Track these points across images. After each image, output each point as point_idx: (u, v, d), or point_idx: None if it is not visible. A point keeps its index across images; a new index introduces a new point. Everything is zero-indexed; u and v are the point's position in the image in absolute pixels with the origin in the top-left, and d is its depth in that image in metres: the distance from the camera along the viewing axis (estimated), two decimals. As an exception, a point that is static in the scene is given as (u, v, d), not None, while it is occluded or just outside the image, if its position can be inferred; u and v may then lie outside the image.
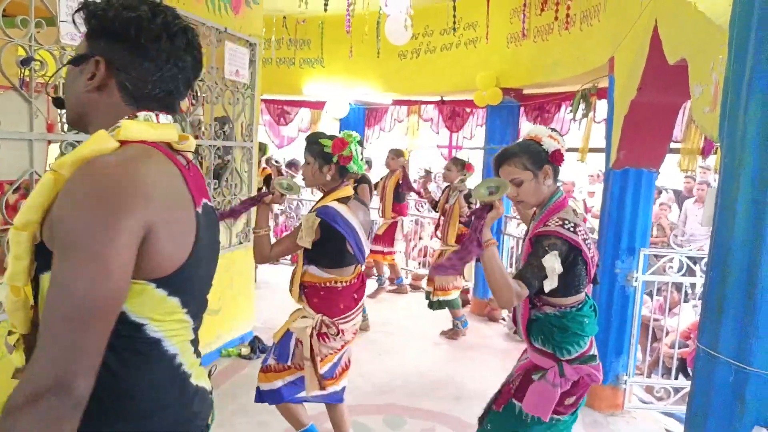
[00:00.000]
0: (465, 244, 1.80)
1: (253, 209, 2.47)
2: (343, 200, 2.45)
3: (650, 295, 4.40)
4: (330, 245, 2.40)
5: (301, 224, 2.38)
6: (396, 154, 5.60)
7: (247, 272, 4.35)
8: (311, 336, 2.40)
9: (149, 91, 1.04)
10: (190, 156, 1.14)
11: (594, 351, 2.04)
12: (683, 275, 3.60)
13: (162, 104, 1.07)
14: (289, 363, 2.48)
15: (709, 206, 1.75)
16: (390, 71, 6.52)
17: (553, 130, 2.10)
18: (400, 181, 5.60)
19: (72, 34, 2.47)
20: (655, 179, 3.45)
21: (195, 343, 1.12)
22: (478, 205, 1.87)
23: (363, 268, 2.61)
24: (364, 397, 3.56)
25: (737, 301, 1.27)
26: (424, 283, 6.26)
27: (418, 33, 5.97)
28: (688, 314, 5.06)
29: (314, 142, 2.46)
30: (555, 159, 2.03)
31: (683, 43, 2.23)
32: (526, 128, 2.13)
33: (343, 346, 2.53)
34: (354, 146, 2.43)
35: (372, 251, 5.56)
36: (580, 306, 2.00)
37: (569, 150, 5.27)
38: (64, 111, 1.12)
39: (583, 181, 9.36)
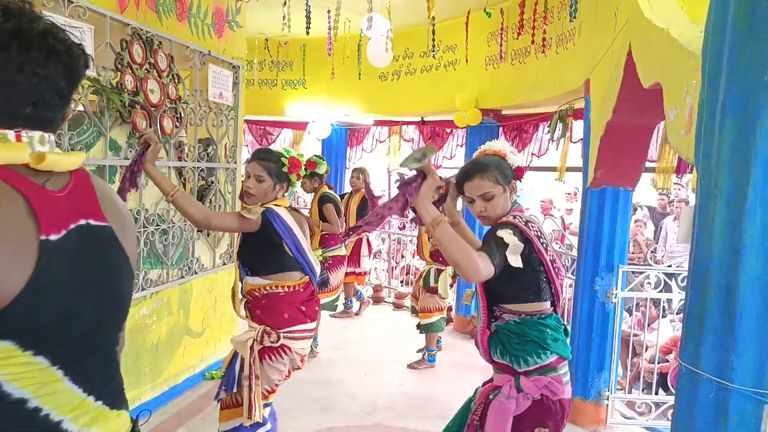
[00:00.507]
0: (388, 203, 1.67)
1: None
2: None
3: (629, 311, 4.47)
4: (266, 246, 2.35)
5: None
6: (359, 172, 5.64)
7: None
8: (252, 350, 2.28)
9: (4, 106, 0.92)
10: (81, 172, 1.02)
11: (561, 368, 1.94)
12: (660, 291, 3.68)
13: (27, 119, 0.94)
14: (235, 390, 2.33)
15: (684, 224, 1.79)
16: (371, 92, 6.59)
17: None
18: (365, 196, 5.62)
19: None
20: (631, 197, 3.55)
21: (82, 382, 0.98)
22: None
23: (314, 284, 2.50)
24: (351, 418, 3.54)
25: (717, 318, 1.31)
26: (407, 301, 6.28)
27: (399, 55, 6.06)
28: (666, 329, 5.16)
29: (272, 161, 2.41)
30: (519, 174, 2.05)
31: (657, 68, 2.30)
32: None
33: (290, 372, 2.41)
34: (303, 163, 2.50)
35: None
36: (543, 316, 1.96)
37: (548, 169, 5.41)
38: None
39: (560, 199, 9.53)
